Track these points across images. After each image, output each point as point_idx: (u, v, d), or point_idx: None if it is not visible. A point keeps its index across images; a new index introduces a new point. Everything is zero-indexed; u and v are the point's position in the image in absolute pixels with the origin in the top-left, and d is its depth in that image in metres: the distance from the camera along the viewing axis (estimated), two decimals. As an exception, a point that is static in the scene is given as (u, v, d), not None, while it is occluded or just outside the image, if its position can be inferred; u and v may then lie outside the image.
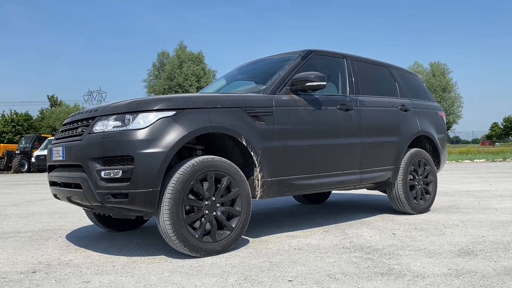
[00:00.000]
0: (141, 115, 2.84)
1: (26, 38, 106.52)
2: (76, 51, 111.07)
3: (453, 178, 9.91)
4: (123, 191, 2.74)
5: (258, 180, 3.27)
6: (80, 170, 2.92)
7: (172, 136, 2.83)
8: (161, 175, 2.77)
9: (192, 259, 2.87)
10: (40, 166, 20.63)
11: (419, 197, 4.58)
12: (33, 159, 21.70)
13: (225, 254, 2.99)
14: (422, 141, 4.91)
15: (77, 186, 2.96)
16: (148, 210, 2.81)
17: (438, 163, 5.06)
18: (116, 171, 2.76)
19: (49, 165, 3.53)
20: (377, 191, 4.74)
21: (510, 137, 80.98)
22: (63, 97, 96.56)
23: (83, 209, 3.57)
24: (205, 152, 3.28)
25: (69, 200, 3.16)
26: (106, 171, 2.77)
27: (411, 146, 4.65)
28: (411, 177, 4.53)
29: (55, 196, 3.42)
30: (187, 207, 2.91)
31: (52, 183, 3.43)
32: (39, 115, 54.76)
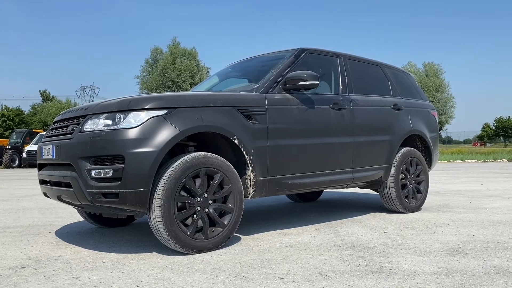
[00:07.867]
0: (132, 114, 2.82)
1: (19, 32, 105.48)
2: (69, 46, 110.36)
3: (444, 177, 9.98)
4: (113, 190, 2.71)
5: (250, 179, 3.26)
6: (71, 169, 2.89)
7: (164, 135, 2.80)
8: (152, 175, 2.75)
9: (183, 256, 2.86)
10: (31, 161, 20.46)
11: (410, 196, 4.61)
12: (24, 154, 21.48)
13: (217, 251, 2.99)
14: (414, 140, 4.93)
15: (67, 185, 2.93)
16: (139, 210, 2.79)
17: (430, 162, 5.08)
18: (106, 170, 2.73)
19: (39, 163, 3.50)
20: (369, 189, 4.76)
21: (501, 137, 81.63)
22: (55, 92, 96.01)
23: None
24: (198, 151, 3.26)
25: (59, 199, 3.13)
26: (97, 171, 2.75)
27: (403, 145, 4.67)
28: (403, 176, 4.55)
29: (45, 194, 3.39)
30: (179, 204, 2.90)
31: (42, 182, 3.40)
32: (31, 110, 54.30)
